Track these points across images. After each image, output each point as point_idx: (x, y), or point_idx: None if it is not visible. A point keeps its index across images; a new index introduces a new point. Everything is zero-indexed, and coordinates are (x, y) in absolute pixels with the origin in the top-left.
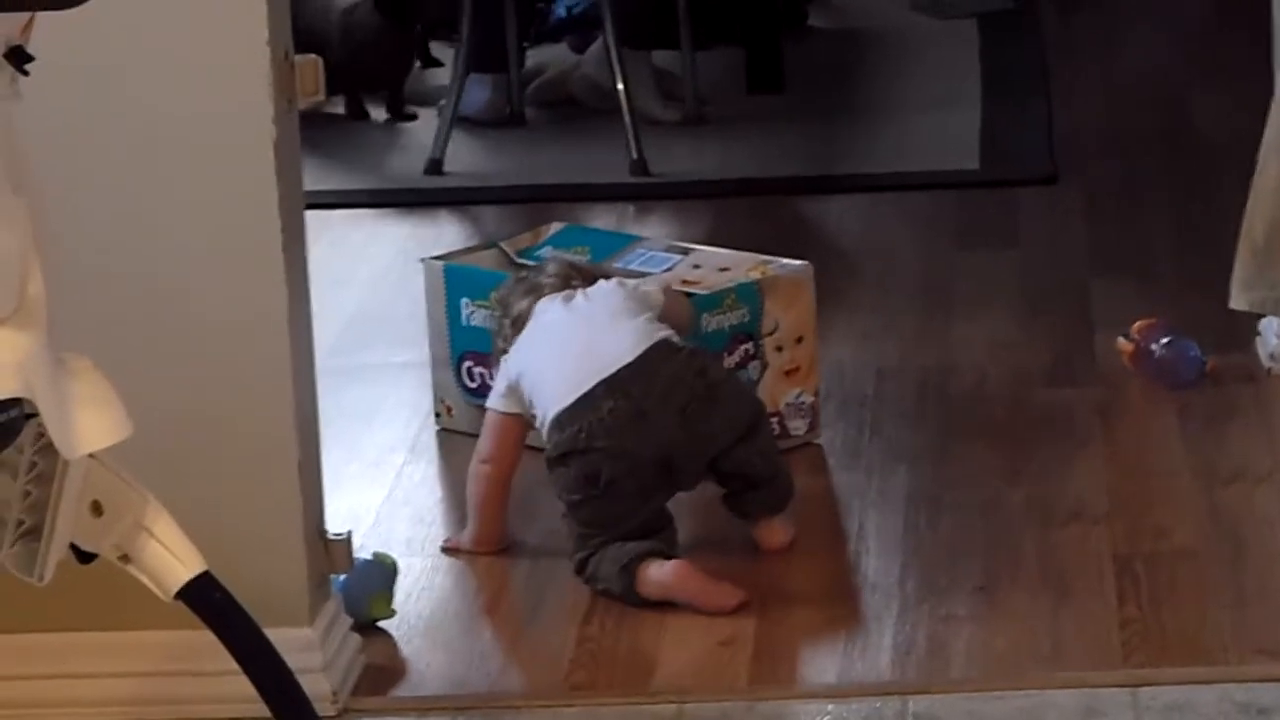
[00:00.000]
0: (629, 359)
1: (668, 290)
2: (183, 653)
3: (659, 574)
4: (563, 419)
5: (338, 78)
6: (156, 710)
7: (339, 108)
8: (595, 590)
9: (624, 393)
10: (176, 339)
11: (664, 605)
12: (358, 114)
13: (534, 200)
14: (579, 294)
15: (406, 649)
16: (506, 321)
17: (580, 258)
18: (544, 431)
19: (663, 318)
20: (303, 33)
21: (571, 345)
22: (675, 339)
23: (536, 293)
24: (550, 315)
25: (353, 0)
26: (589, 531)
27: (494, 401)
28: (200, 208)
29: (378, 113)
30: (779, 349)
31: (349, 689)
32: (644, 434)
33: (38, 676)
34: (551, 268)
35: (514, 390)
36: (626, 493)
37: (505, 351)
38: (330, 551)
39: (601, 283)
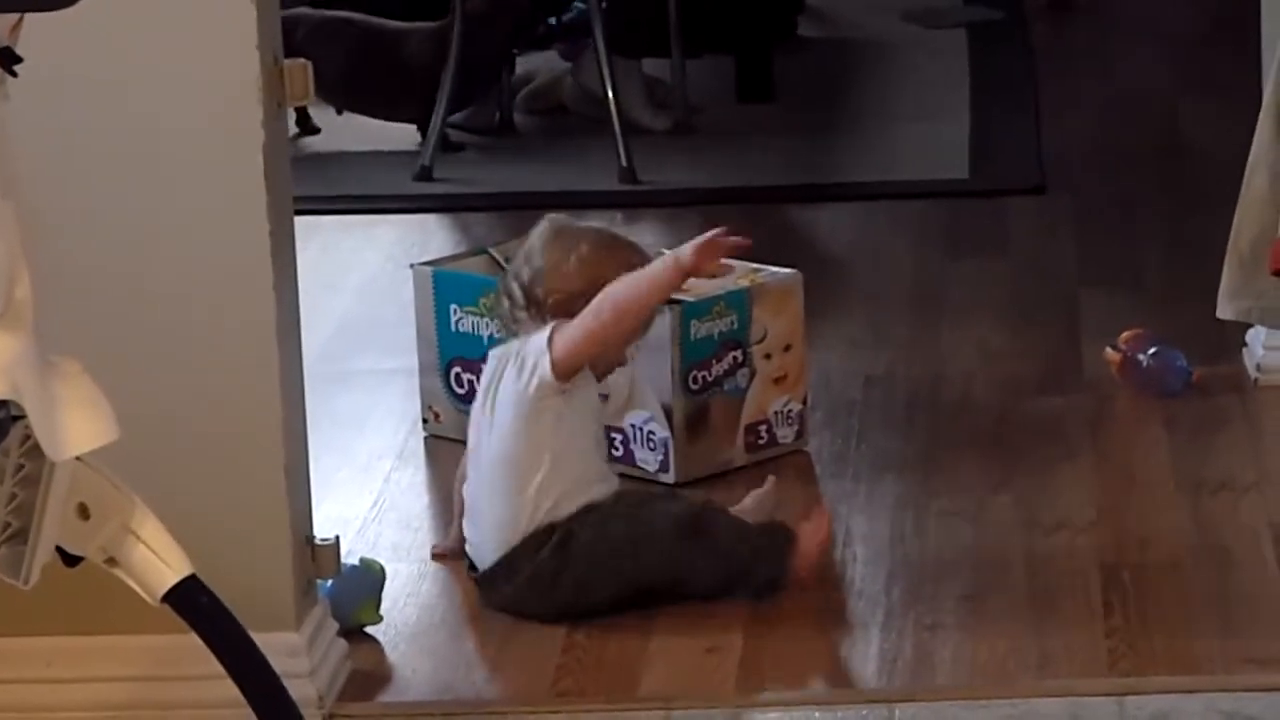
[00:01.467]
0: (497, 556)
1: (556, 330)
2: (169, 657)
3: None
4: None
5: (455, 103)
6: (142, 715)
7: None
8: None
9: (507, 578)
10: (164, 343)
11: (651, 612)
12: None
13: (523, 207)
14: (495, 385)
15: (393, 654)
16: (506, 303)
17: (523, 268)
18: None
19: (563, 372)
20: (414, 62)
21: (477, 483)
22: (547, 525)
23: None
24: (475, 413)
25: (413, 26)
26: None
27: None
28: (189, 212)
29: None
30: (767, 356)
31: (335, 694)
32: (547, 609)
33: (23, 681)
34: (502, 289)
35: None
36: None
37: (516, 327)
38: (317, 556)
39: (505, 379)
